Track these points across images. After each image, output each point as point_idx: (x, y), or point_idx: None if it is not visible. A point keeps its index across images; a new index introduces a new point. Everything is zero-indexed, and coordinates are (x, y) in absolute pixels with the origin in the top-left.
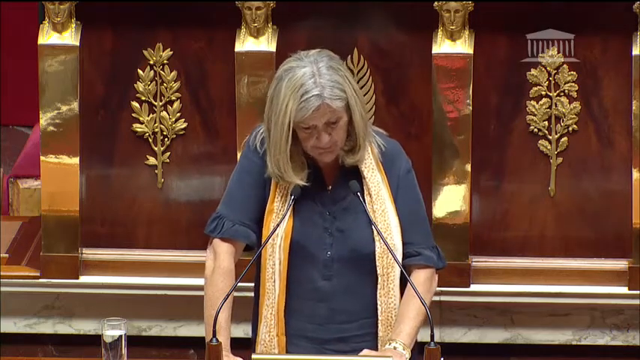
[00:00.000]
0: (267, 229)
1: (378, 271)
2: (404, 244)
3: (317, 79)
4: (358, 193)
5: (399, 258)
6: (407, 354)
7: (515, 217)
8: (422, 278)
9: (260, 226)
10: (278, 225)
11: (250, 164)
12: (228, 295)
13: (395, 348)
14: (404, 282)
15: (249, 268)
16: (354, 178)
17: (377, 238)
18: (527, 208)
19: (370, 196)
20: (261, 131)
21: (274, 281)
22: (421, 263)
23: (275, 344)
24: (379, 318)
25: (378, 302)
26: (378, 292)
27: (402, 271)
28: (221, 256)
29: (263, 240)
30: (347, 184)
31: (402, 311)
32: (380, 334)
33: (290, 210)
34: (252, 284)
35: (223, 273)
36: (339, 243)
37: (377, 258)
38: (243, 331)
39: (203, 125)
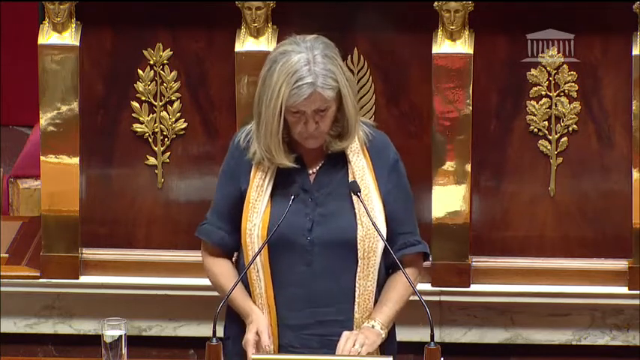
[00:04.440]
0: (245, 220)
1: (359, 255)
2: (400, 234)
3: (312, 66)
4: (359, 193)
5: (382, 243)
6: (384, 334)
7: (515, 217)
8: (417, 266)
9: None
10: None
11: (227, 169)
12: (234, 286)
13: (373, 326)
14: (388, 271)
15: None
16: (338, 162)
17: (359, 222)
18: (527, 208)
19: (354, 179)
20: (246, 130)
21: (257, 271)
22: (421, 251)
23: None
24: (356, 301)
25: (357, 285)
26: (357, 274)
27: (394, 258)
28: (202, 252)
29: (242, 233)
30: (332, 169)
31: (385, 295)
32: (356, 316)
33: (267, 199)
34: None
35: (210, 259)
36: (320, 227)
37: (358, 242)
38: None
39: (203, 125)
